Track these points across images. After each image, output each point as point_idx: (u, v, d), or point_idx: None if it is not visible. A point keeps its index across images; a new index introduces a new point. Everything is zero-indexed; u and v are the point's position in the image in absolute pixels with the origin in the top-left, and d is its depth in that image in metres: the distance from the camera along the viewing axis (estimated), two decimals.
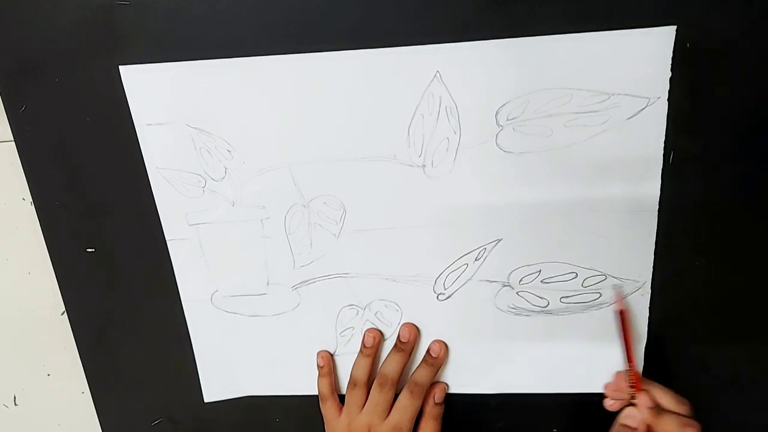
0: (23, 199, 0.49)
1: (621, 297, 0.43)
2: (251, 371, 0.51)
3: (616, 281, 0.44)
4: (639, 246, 0.43)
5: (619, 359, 0.46)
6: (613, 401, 0.44)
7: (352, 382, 0.48)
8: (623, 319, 0.43)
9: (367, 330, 0.48)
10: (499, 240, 0.44)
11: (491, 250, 0.44)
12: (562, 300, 0.45)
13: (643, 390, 0.41)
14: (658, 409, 0.41)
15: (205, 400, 0.52)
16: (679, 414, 0.40)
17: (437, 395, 0.47)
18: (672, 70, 0.38)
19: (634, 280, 0.44)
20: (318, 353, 0.49)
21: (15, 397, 0.57)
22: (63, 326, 0.52)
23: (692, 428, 0.39)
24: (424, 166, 0.42)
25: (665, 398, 0.41)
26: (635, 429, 0.41)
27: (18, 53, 0.43)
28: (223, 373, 0.51)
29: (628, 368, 0.43)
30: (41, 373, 0.56)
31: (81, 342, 0.52)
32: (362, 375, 0.47)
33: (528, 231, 0.43)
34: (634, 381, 0.42)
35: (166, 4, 0.40)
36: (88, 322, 0.51)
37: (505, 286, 0.45)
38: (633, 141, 0.40)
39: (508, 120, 0.40)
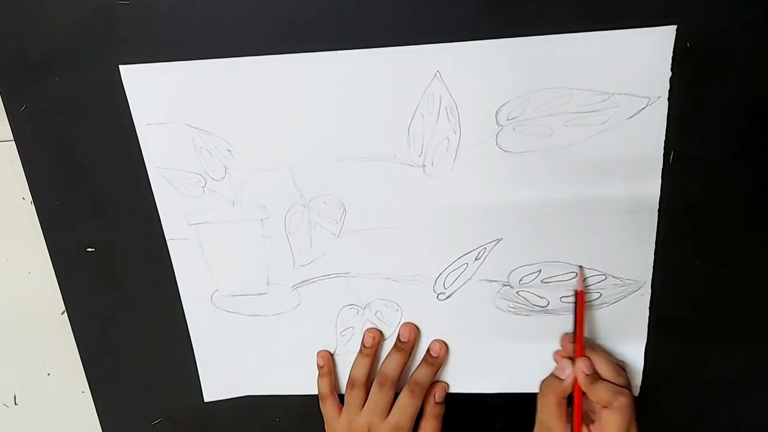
0: (23, 198, 0.49)
1: (582, 277, 0.44)
2: (251, 371, 0.51)
3: (615, 281, 0.44)
4: (639, 246, 0.43)
5: (621, 359, 0.46)
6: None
7: (351, 382, 0.48)
8: (580, 299, 0.44)
9: (367, 330, 0.48)
10: (499, 240, 0.44)
11: (491, 249, 0.44)
12: (562, 300, 0.45)
13: (585, 356, 0.43)
14: (594, 376, 0.42)
15: (205, 400, 0.52)
16: (612, 383, 0.42)
17: (437, 395, 0.47)
18: (672, 70, 0.38)
19: (634, 280, 0.44)
20: (318, 353, 0.49)
21: (15, 397, 0.57)
22: (63, 326, 0.52)
23: (623, 396, 0.41)
24: (424, 165, 0.42)
25: (603, 367, 0.43)
26: (563, 381, 0.44)
27: (18, 53, 0.43)
28: (223, 373, 0.51)
29: (575, 339, 0.44)
30: (41, 373, 0.56)
31: (81, 342, 0.52)
32: (361, 375, 0.47)
33: (528, 231, 0.43)
34: (578, 349, 0.43)
35: (166, 4, 0.40)
36: (88, 322, 0.51)
37: (505, 285, 0.45)
38: (633, 141, 0.40)
39: (508, 119, 0.40)
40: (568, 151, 0.41)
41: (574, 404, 0.43)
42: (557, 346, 0.46)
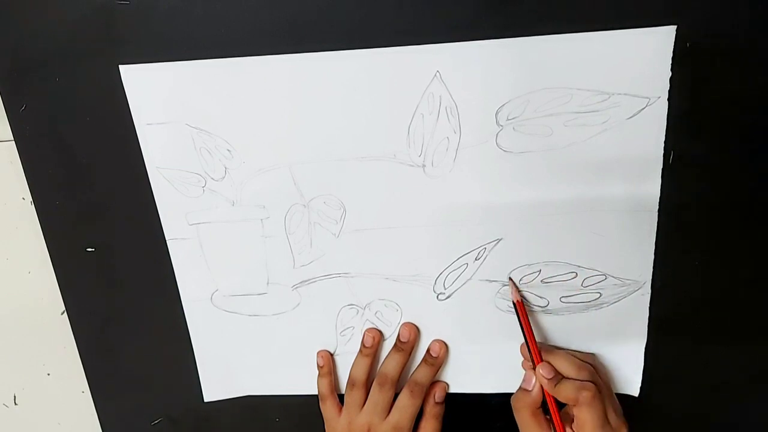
0: (23, 198, 0.49)
1: (516, 288, 0.44)
2: (251, 371, 0.51)
3: (615, 281, 0.44)
4: (639, 246, 0.43)
5: (621, 359, 0.46)
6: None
7: (351, 382, 0.48)
8: (520, 309, 0.44)
9: (367, 330, 0.48)
10: (499, 240, 0.44)
11: (491, 249, 0.44)
12: (562, 300, 0.45)
13: (543, 362, 0.43)
14: (556, 378, 0.42)
15: (205, 400, 0.52)
16: (576, 380, 0.42)
17: (437, 395, 0.47)
18: (672, 70, 0.38)
19: (634, 280, 0.44)
20: (318, 353, 0.49)
21: (15, 397, 0.57)
22: (63, 326, 0.52)
23: (586, 390, 0.41)
24: (424, 165, 0.42)
25: (564, 365, 0.43)
26: (531, 391, 0.44)
27: (18, 53, 0.43)
28: (223, 373, 0.51)
29: (529, 348, 0.44)
30: (41, 373, 0.56)
31: (81, 342, 0.52)
32: (361, 375, 0.47)
33: (528, 231, 0.43)
34: (534, 358, 0.43)
35: (166, 4, 0.40)
36: (88, 322, 0.51)
37: (505, 285, 0.45)
38: (633, 141, 0.40)
39: (508, 120, 0.40)
40: (568, 151, 0.41)
41: (550, 411, 0.43)
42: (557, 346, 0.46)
